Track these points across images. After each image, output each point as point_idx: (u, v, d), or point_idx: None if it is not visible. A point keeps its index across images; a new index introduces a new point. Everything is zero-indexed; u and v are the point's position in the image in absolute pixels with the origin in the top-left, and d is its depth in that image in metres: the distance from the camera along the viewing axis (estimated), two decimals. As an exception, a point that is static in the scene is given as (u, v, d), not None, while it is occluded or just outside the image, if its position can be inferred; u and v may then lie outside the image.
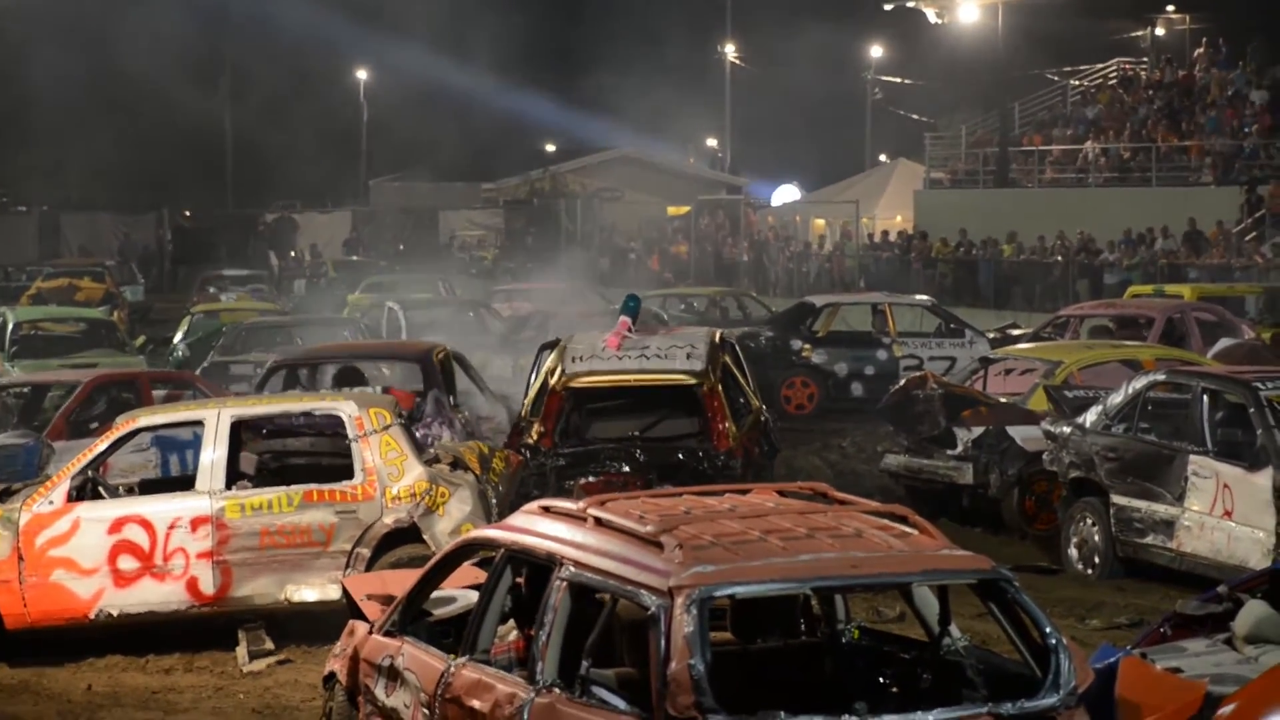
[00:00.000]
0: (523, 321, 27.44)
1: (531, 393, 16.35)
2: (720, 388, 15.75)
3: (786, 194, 63.95)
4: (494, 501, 13.62)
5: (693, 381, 15.64)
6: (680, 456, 15.46)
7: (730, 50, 70.60)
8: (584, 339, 16.84)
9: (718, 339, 16.81)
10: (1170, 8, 49.37)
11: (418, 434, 15.92)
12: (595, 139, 65.84)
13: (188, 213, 64.46)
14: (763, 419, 17.11)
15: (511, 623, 8.58)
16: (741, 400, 16.59)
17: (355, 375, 18.72)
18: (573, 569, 7.71)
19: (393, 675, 8.80)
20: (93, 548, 13.00)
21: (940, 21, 49.69)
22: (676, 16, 63.65)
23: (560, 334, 18.48)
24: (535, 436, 15.64)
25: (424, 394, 17.79)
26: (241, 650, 12.94)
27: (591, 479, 15.21)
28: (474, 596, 8.79)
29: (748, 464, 15.64)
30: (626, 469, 15.42)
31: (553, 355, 16.41)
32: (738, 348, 17.84)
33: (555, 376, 15.87)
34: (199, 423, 13.63)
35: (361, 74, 71.62)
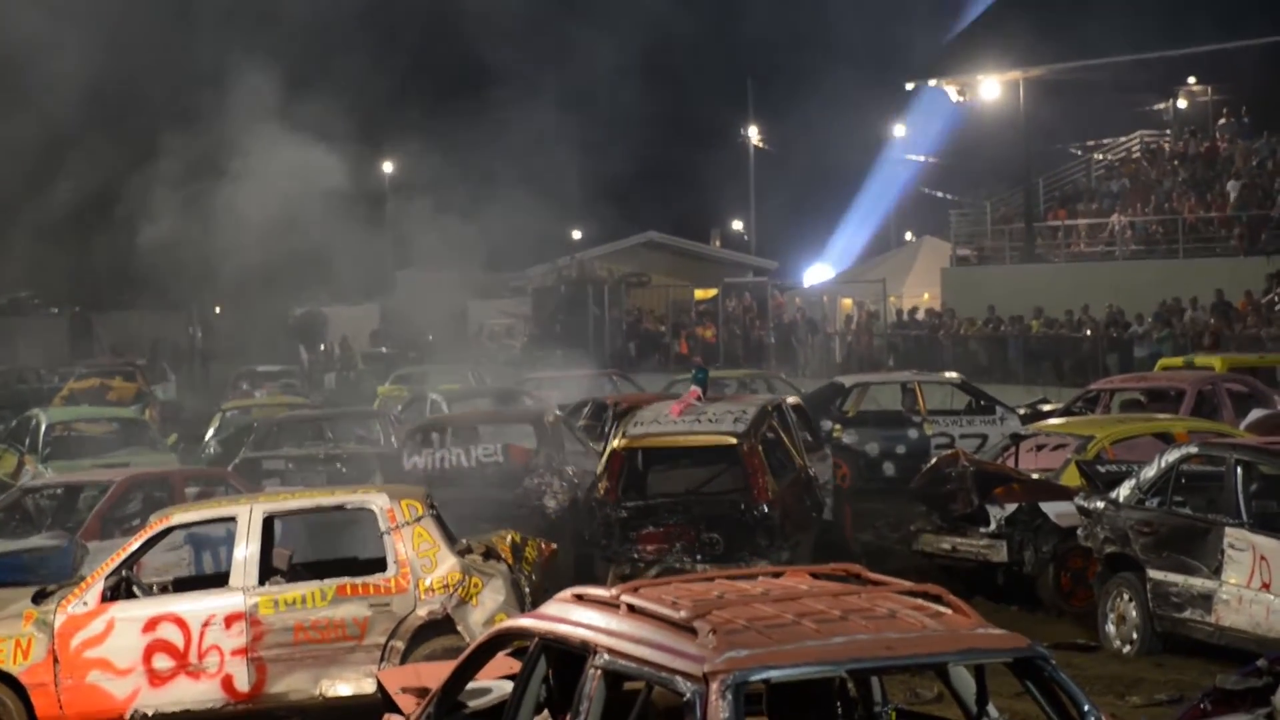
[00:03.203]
0: (576, 410, 27.12)
1: (605, 455, 18.21)
2: (760, 448, 17.32)
3: (819, 273, 64.03)
4: (527, 590, 13.61)
5: (733, 442, 17.26)
6: (724, 509, 17.06)
7: (753, 133, 70.89)
8: (653, 407, 19.10)
9: (770, 406, 18.90)
10: (1191, 80, 49.41)
11: (532, 483, 20.10)
12: (620, 224, 66.04)
13: (217, 310, 64.74)
14: (804, 476, 18.62)
15: (546, 713, 8.55)
16: (785, 460, 18.17)
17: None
18: (607, 656, 7.68)
19: (429, 768, 8.76)
20: (128, 648, 13.01)
21: (961, 99, 49.85)
22: (699, 100, 63.96)
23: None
24: (601, 491, 17.49)
25: (537, 450, 21.08)
26: (278, 747, 12.92)
27: (650, 529, 17.08)
28: (509, 687, 8.76)
29: (786, 516, 17.12)
30: (679, 521, 17.08)
31: (623, 420, 18.58)
32: (792, 414, 19.73)
33: (618, 439, 17.76)
34: (231, 519, 13.66)
35: (387, 166, 72.12)
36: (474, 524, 16.77)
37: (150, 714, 13.03)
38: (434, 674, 9.67)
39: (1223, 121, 47.56)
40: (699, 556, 17.00)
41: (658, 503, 17.41)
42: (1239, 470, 14.46)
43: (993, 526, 17.32)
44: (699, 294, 57.26)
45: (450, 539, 13.79)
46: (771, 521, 16.89)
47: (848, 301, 53.43)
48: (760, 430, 17.70)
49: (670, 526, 17.11)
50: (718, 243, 71.44)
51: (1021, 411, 27.47)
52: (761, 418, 17.97)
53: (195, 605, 13.23)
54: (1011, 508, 17.26)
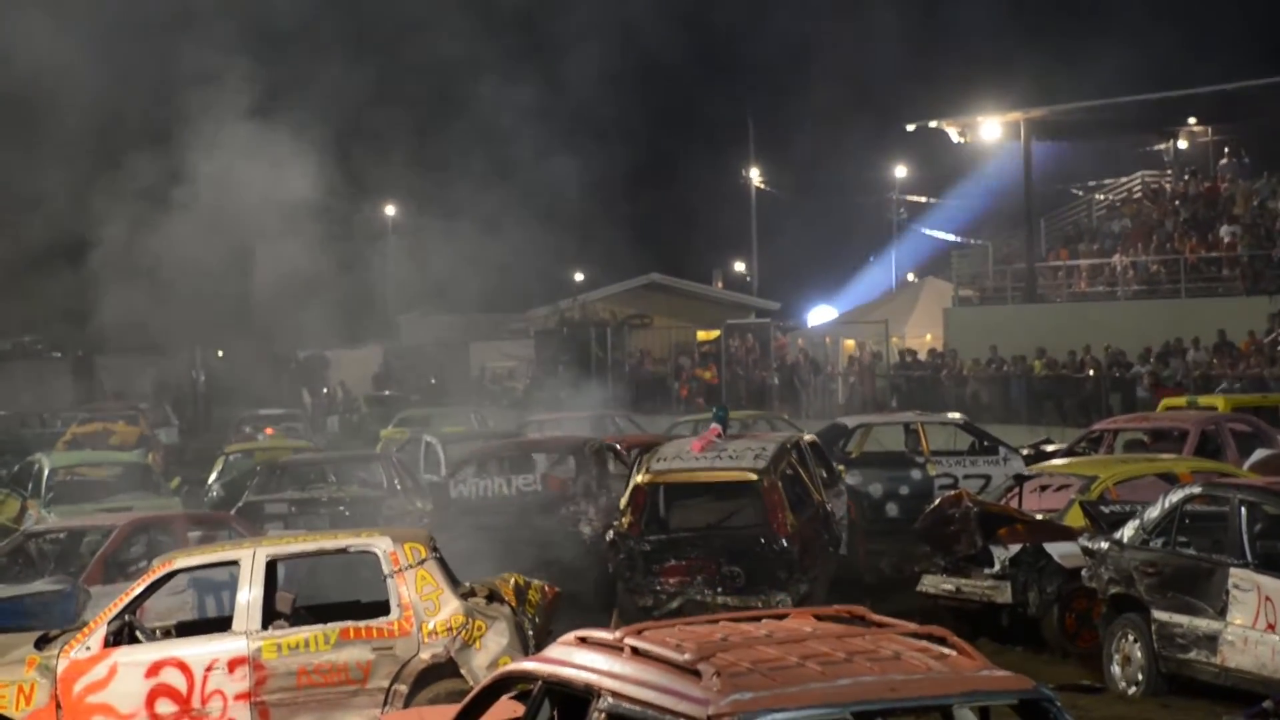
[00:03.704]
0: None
1: (628, 490, 18.53)
2: (780, 483, 17.76)
3: (821, 314, 64.14)
4: (531, 633, 13.58)
5: (753, 478, 17.76)
6: (745, 543, 17.53)
7: (755, 175, 71.05)
8: (675, 444, 19.75)
9: (790, 443, 19.29)
10: (1192, 120, 49.51)
11: (568, 511, 21.20)
12: (623, 266, 66.12)
13: (220, 353, 64.76)
14: (822, 512, 19.05)
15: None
16: (804, 495, 18.61)
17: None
18: (611, 699, 7.66)
19: (433, 813, 8.74)
20: (130, 693, 12.97)
21: (963, 141, 49.94)
22: (700, 142, 64.12)
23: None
24: (625, 525, 17.92)
25: (576, 478, 22.01)
26: (281, 791, 12.85)
27: (672, 562, 17.56)
28: (513, 731, 8.74)
29: (804, 550, 17.57)
30: (700, 554, 17.55)
31: (645, 456, 18.83)
32: (809, 451, 20.04)
33: (641, 474, 18.14)
34: (234, 563, 13.64)
35: (389, 209, 72.24)
36: (517, 549, 17.97)
37: (153, 759, 12.99)
38: (438, 717, 9.65)
39: (1224, 162, 47.65)
40: (720, 589, 17.48)
41: (680, 536, 17.92)
42: (1243, 511, 14.44)
43: (997, 567, 17.28)
44: (701, 335, 57.33)
45: (454, 582, 13.77)
46: (791, 555, 17.36)
47: (850, 342, 53.42)
48: (780, 467, 18.19)
49: (692, 560, 17.63)
50: (720, 284, 71.54)
51: (1025, 452, 27.42)
52: (781, 454, 18.48)
53: (198, 650, 13.20)
54: (1015, 549, 17.22)
